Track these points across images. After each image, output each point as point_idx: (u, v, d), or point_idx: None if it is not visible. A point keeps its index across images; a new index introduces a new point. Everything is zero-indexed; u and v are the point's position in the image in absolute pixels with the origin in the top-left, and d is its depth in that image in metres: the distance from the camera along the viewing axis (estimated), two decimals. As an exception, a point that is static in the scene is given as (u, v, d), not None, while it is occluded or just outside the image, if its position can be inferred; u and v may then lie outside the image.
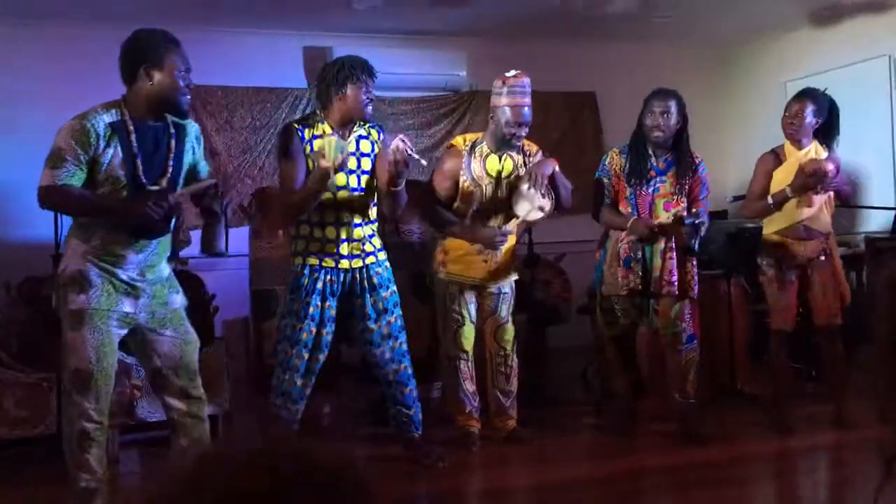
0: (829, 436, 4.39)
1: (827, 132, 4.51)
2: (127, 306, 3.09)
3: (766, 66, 7.59)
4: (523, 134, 4.20)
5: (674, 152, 4.29)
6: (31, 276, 4.67)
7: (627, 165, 4.29)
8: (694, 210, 4.24)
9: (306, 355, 3.81)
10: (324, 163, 3.56)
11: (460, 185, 4.24)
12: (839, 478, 3.99)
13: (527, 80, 4.19)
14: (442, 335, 4.34)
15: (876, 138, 6.59)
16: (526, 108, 4.15)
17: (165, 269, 3.23)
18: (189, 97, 3.12)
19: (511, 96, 4.15)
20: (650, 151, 4.28)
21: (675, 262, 4.21)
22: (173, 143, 3.14)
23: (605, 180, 4.36)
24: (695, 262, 4.29)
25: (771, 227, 4.46)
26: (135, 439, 4.45)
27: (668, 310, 4.27)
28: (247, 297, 5.22)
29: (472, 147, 4.26)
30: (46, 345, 4.29)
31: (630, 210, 4.28)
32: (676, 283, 4.21)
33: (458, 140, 4.35)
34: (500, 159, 4.25)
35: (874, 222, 6.41)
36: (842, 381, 4.58)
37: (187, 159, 3.23)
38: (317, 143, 3.72)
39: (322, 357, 3.87)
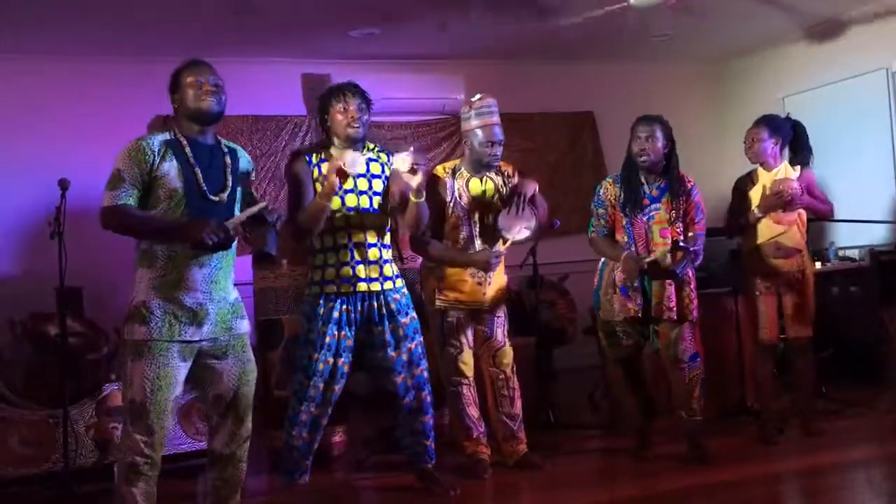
0: (840, 454, 4.36)
1: (796, 152, 4.76)
2: (189, 334, 3.09)
3: (764, 82, 7.62)
4: (498, 153, 4.25)
5: (665, 177, 4.31)
6: (36, 313, 4.64)
7: (622, 195, 4.32)
8: (690, 234, 4.24)
9: (322, 385, 3.79)
10: (337, 163, 3.56)
11: (447, 211, 4.27)
12: (852, 500, 3.95)
13: (493, 101, 4.28)
14: (439, 363, 4.33)
15: (876, 151, 6.60)
16: (496, 127, 4.23)
17: (232, 293, 3.24)
18: (212, 100, 3.15)
19: (480, 118, 4.23)
20: (642, 179, 4.31)
21: (674, 287, 4.21)
22: (228, 159, 3.23)
23: (601, 210, 4.39)
24: (693, 286, 4.28)
25: (747, 245, 4.72)
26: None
27: (669, 332, 4.27)
28: (252, 327, 5.19)
29: (453, 173, 4.31)
30: (52, 381, 4.28)
31: (627, 239, 4.30)
32: (675, 309, 4.22)
33: (438, 169, 4.39)
34: (481, 182, 4.30)
35: (876, 235, 6.41)
36: (810, 391, 4.81)
37: (240, 179, 3.28)
38: (324, 167, 3.75)
39: (338, 388, 3.85)
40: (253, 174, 3.42)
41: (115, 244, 3.46)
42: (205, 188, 3.11)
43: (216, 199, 3.13)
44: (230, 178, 3.20)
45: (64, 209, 4.16)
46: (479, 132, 4.21)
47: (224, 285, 3.20)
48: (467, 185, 4.28)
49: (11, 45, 5.91)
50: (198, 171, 3.11)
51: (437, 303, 4.26)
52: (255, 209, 3.12)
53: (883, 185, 6.55)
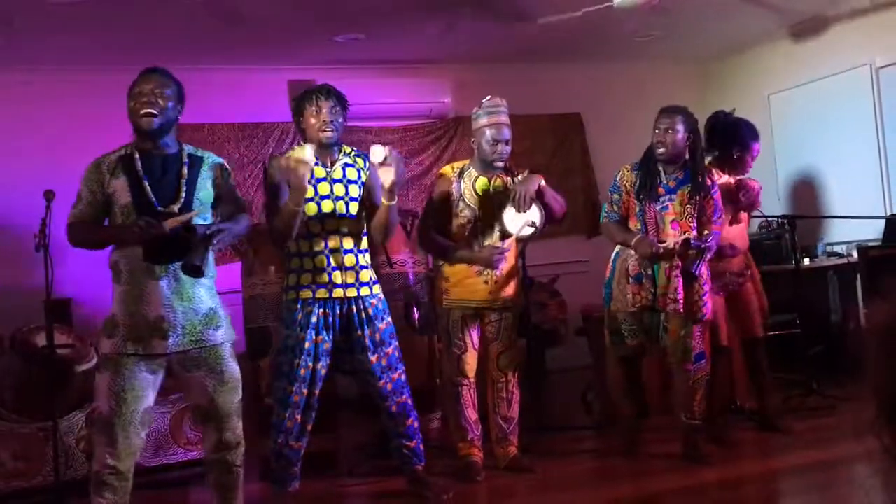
0: (832, 451, 4.37)
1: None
2: (156, 348, 3.12)
3: (749, 81, 7.64)
4: (504, 152, 4.25)
5: (685, 170, 4.29)
6: (24, 325, 4.61)
7: (637, 181, 4.31)
8: (706, 232, 4.24)
9: (305, 391, 3.77)
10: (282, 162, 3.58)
11: (454, 210, 4.27)
12: (846, 496, 3.96)
13: (503, 101, 4.30)
14: (445, 362, 4.33)
15: (861, 147, 6.62)
16: (505, 127, 4.24)
17: (205, 303, 3.22)
18: (147, 110, 3.14)
19: (489, 116, 4.24)
20: (660, 168, 4.30)
21: (680, 280, 4.20)
22: (185, 169, 3.23)
23: (616, 196, 4.38)
24: (704, 283, 4.27)
25: None
26: (134, 485, 4.36)
27: (678, 329, 4.26)
28: (240, 335, 5.17)
29: (461, 173, 4.32)
30: (41, 394, 4.25)
31: (639, 226, 4.30)
32: (682, 302, 4.20)
33: (446, 169, 4.42)
34: (489, 181, 4.30)
35: (864, 231, 6.42)
36: (765, 387, 4.86)
37: (204, 187, 3.27)
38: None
39: (318, 392, 3.83)
40: (224, 175, 3.35)
41: (101, 255, 3.45)
42: (153, 200, 3.15)
43: (165, 210, 3.14)
44: (184, 189, 3.20)
45: (49, 221, 4.14)
46: (487, 131, 4.22)
47: (189, 296, 3.18)
48: (475, 184, 4.28)
49: (12, 57, 5.89)
50: (146, 184, 3.16)
51: (444, 302, 4.27)
52: (189, 215, 3.13)
53: (869, 180, 6.57)
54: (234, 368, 3.27)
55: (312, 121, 3.81)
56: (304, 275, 3.81)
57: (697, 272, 4.19)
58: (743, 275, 4.75)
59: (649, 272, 4.24)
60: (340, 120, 3.84)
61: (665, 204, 4.26)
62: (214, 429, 3.24)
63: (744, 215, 4.80)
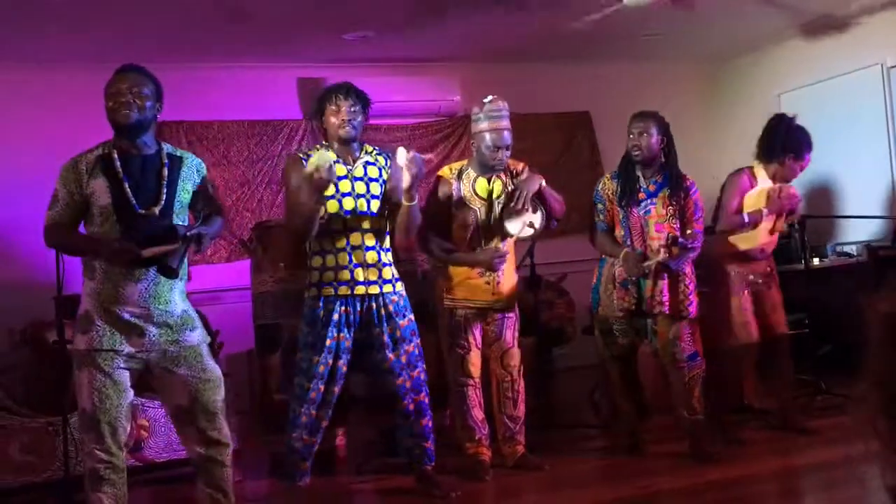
0: (840, 450, 4.35)
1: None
2: (132, 346, 3.11)
3: (760, 80, 7.62)
4: (504, 158, 4.25)
5: (663, 173, 4.34)
6: (35, 320, 4.64)
7: (618, 189, 4.35)
8: (689, 232, 4.26)
9: (322, 387, 3.79)
10: (307, 170, 3.57)
11: (453, 212, 4.28)
12: (852, 495, 3.96)
13: (504, 104, 4.26)
14: (447, 363, 4.34)
15: (872, 147, 6.61)
16: (506, 132, 4.22)
17: (179, 306, 3.22)
18: (125, 111, 3.12)
19: (489, 121, 4.22)
20: (639, 174, 4.35)
21: (666, 282, 4.25)
22: (165, 171, 3.18)
23: (600, 205, 4.43)
24: (689, 283, 4.30)
25: (737, 245, 4.67)
26: (144, 480, 4.39)
27: (667, 331, 4.30)
28: (250, 332, 5.20)
29: (460, 174, 4.32)
30: (51, 389, 4.28)
31: (623, 233, 4.35)
32: (668, 303, 4.24)
33: (444, 170, 4.41)
34: (488, 181, 4.31)
35: (873, 230, 6.41)
36: (789, 386, 4.86)
37: (184, 188, 3.25)
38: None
39: (337, 389, 3.85)
40: (202, 176, 3.34)
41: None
42: (133, 202, 3.10)
43: (147, 213, 3.11)
44: (164, 190, 3.16)
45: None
46: (487, 136, 4.20)
47: (166, 299, 3.17)
48: (474, 185, 4.29)
49: (15, 54, 5.91)
50: (126, 186, 3.10)
51: (446, 302, 4.28)
52: (171, 247, 3.06)
53: (880, 180, 6.55)
54: (214, 367, 3.27)
55: (332, 119, 3.84)
56: (326, 272, 3.83)
57: (676, 268, 4.23)
58: (769, 276, 4.75)
59: (633, 278, 4.29)
60: (360, 118, 3.86)
61: (647, 208, 4.32)
62: (198, 429, 3.20)
63: (781, 223, 4.78)
